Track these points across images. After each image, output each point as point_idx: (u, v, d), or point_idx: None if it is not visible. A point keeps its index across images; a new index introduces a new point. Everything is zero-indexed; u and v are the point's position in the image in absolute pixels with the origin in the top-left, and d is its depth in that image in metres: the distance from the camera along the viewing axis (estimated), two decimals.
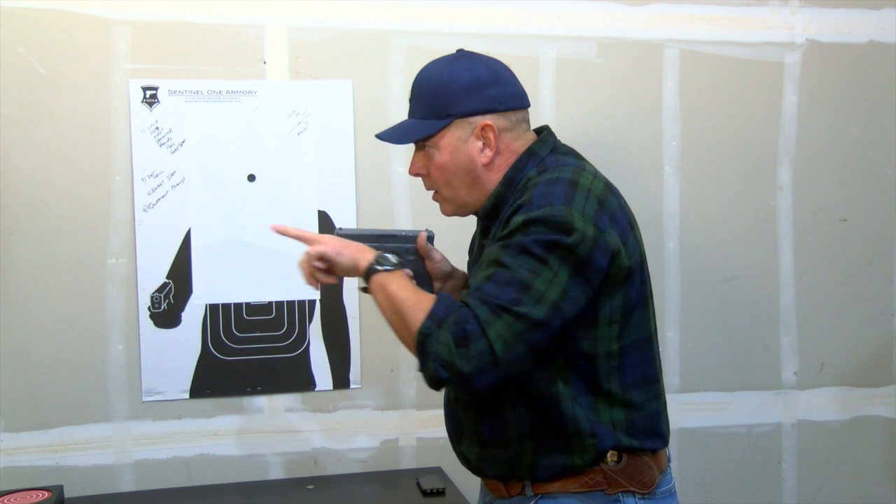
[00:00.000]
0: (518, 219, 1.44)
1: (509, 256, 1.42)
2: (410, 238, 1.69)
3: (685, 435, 2.53)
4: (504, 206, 1.54)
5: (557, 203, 1.43)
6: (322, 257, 1.58)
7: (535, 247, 1.40)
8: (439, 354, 1.39)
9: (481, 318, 1.38)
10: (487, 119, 1.54)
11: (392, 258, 1.55)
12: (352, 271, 1.58)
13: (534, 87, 2.37)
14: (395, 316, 1.48)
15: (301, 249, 1.61)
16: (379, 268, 1.53)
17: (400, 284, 1.51)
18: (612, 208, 1.48)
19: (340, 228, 1.75)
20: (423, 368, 1.43)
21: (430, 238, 1.71)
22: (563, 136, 1.66)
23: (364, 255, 1.56)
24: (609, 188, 1.52)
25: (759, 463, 2.59)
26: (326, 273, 1.61)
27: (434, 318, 1.42)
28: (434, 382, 1.44)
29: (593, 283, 1.43)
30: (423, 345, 1.42)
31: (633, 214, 1.56)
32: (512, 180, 1.55)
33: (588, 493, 1.49)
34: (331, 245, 1.59)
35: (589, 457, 1.48)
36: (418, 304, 1.46)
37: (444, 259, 1.73)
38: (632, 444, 1.50)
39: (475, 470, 1.60)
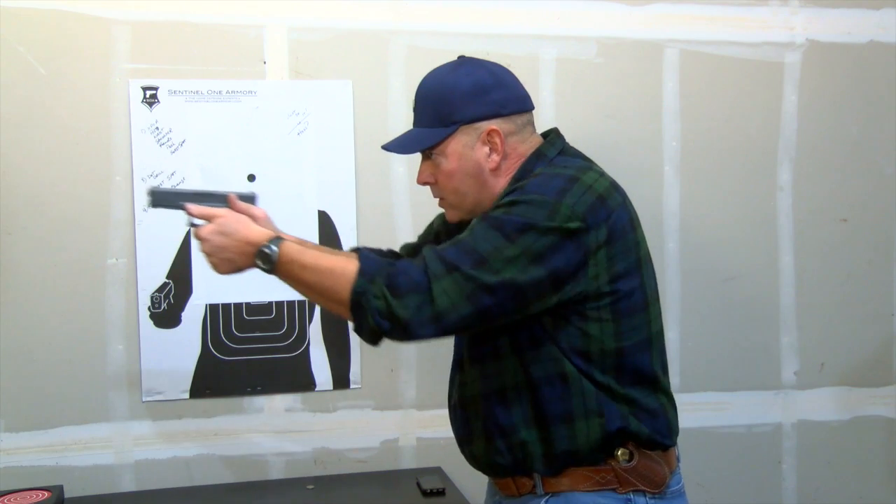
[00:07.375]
0: (508, 197, 1.47)
1: (482, 228, 1.45)
2: (222, 197, 1.66)
3: (685, 435, 2.49)
4: None
5: (550, 195, 1.44)
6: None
7: (508, 226, 1.42)
8: (377, 307, 1.41)
9: (430, 270, 1.41)
10: (493, 124, 1.54)
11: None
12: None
13: (534, 87, 2.36)
14: (314, 288, 1.50)
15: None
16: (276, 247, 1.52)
17: (311, 252, 1.51)
18: (613, 205, 1.48)
19: (154, 187, 1.72)
20: (361, 326, 1.45)
21: (252, 198, 1.69)
22: (563, 136, 1.66)
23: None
24: (615, 187, 1.53)
25: (759, 463, 2.59)
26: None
27: (365, 274, 1.44)
28: (374, 336, 1.45)
29: (560, 274, 1.43)
30: (357, 303, 1.43)
31: (636, 216, 1.56)
32: (520, 182, 1.54)
33: (599, 492, 1.49)
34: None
35: (594, 438, 1.47)
36: (340, 265, 1.46)
37: (267, 217, 1.69)
38: (640, 429, 1.50)
39: (485, 467, 1.59)
